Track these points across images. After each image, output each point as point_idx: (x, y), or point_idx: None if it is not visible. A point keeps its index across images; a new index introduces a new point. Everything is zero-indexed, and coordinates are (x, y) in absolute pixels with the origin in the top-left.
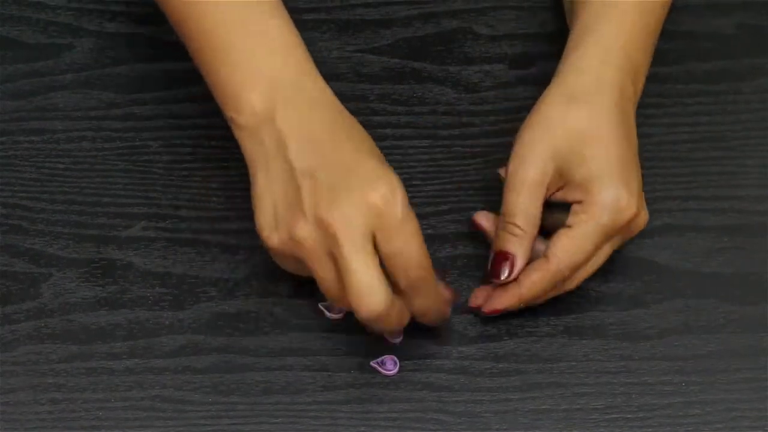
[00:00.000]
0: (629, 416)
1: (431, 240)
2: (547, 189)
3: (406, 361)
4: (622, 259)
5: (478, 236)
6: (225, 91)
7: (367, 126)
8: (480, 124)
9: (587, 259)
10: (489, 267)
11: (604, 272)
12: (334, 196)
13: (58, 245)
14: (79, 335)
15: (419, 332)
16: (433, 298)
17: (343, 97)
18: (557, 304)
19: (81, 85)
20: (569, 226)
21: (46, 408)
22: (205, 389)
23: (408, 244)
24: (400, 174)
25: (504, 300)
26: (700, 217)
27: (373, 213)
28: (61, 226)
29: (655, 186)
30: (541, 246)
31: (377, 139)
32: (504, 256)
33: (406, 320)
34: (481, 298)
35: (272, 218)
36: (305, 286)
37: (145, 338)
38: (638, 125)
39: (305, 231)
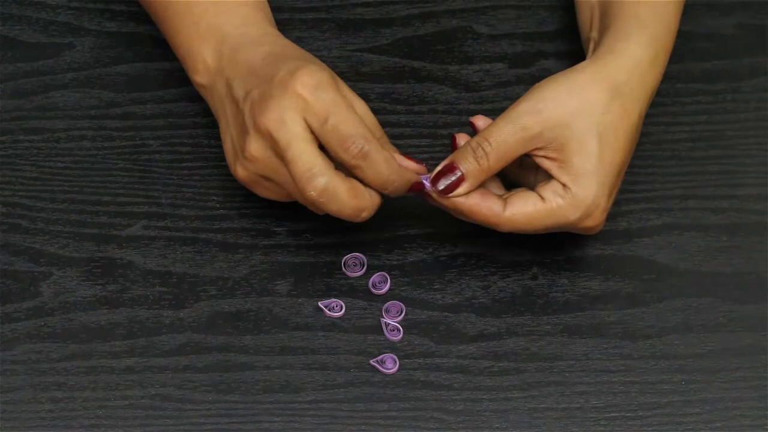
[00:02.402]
0: (629, 415)
1: (431, 240)
2: (535, 148)
3: (405, 360)
4: (622, 258)
5: (479, 235)
6: (184, 53)
7: None
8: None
9: (536, 232)
10: (434, 171)
11: (603, 271)
12: (264, 103)
13: (59, 244)
14: (79, 334)
15: (419, 332)
16: (383, 166)
17: None
18: (557, 303)
19: (81, 84)
20: (541, 198)
21: (46, 407)
22: (205, 388)
23: (340, 119)
24: None
25: (447, 202)
26: (699, 217)
27: (297, 102)
28: (61, 225)
29: (654, 185)
30: (497, 190)
31: None
32: (453, 170)
33: (368, 199)
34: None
35: (232, 150)
36: (305, 285)
37: (145, 337)
38: None
39: (253, 145)
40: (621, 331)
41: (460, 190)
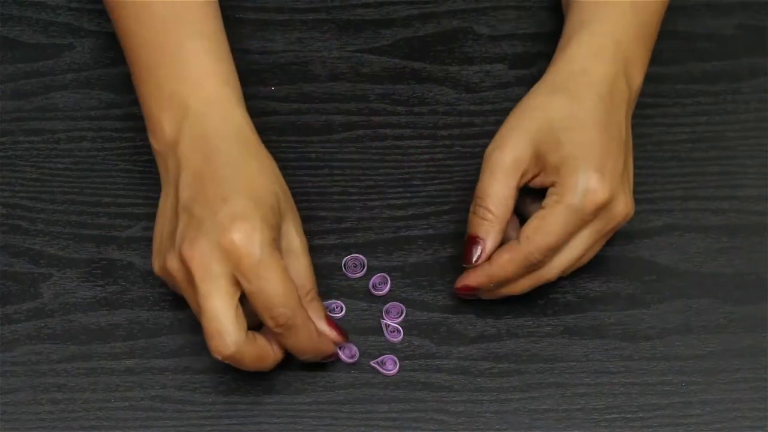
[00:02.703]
0: (629, 416)
1: (431, 240)
2: (524, 175)
3: (406, 361)
4: (622, 259)
5: None
6: (144, 111)
7: (367, 126)
8: (480, 124)
9: (559, 242)
10: (466, 251)
11: (604, 272)
12: (197, 235)
13: (59, 245)
14: (79, 335)
15: (420, 333)
16: (304, 338)
17: (343, 97)
18: (557, 305)
19: (81, 85)
20: (543, 208)
21: (46, 408)
22: (205, 389)
23: (267, 285)
24: (400, 174)
25: (474, 277)
26: (700, 217)
27: (229, 255)
28: (61, 226)
29: (655, 186)
30: (514, 233)
31: (378, 138)
32: (474, 240)
33: (271, 360)
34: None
35: (158, 246)
36: None
37: (145, 338)
38: (638, 125)
39: (174, 264)
40: (621, 333)
41: (487, 250)
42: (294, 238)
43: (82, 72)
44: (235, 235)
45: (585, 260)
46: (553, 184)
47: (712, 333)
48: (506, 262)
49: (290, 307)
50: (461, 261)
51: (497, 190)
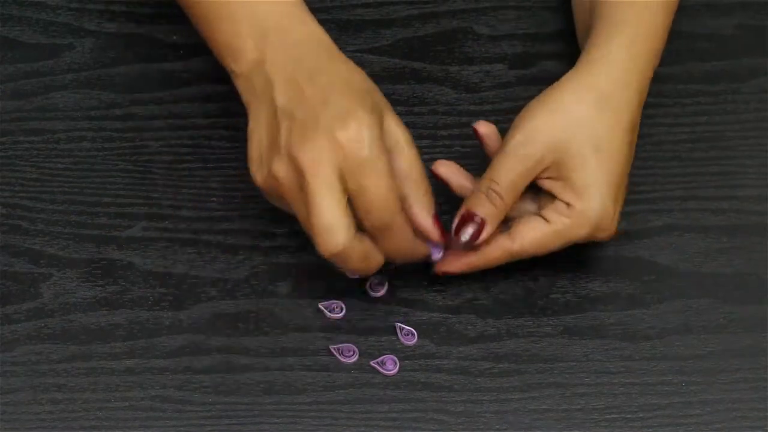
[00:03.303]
0: (629, 416)
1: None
2: (538, 174)
3: (406, 361)
4: (622, 259)
5: None
6: (222, 42)
7: None
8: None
9: (548, 253)
10: (454, 224)
11: (604, 272)
12: (305, 134)
13: (59, 245)
14: (79, 335)
15: (420, 333)
16: (399, 241)
17: None
18: (557, 305)
19: (81, 85)
20: (547, 221)
21: (46, 408)
22: (205, 389)
23: (371, 184)
24: None
25: (458, 265)
26: (700, 217)
27: (339, 151)
28: (61, 226)
29: (655, 186)
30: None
31: None
32: (472, 217)
33: (374, 263)
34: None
35: (258, 156)
36: (305, 287)
37: (145, 338)
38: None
39: (281, 168)
40: (621, 333)
41: (483, 235)
42: (396, 131)
43: (82, 72)
44: (343, 133)
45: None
46: (566, 202)
47: (712, 333)
48: (494, 259)
49: (390, 210)
50: (453, 233)
51: (514, 179)
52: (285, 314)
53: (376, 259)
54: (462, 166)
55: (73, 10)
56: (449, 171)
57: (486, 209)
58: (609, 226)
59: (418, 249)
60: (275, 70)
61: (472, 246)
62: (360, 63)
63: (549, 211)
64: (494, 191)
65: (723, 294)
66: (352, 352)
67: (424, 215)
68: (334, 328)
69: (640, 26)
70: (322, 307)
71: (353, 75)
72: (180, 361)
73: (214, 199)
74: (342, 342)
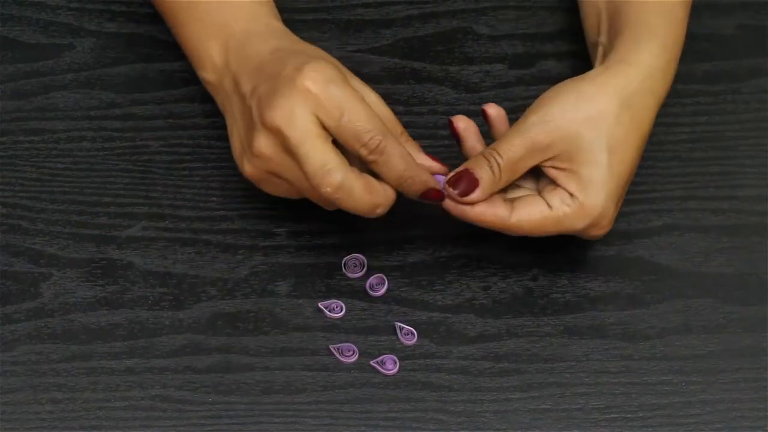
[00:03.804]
0: (629, 416)
1: (431, 240)
2: (542, 162)
3: (406, 361)
4: (622, 259)
5: (479, 236)
6: (191, 49)
7: None
8: (480, 124)
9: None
10: (449, 175)
11: (604, 272)
12: (272, 98)
13: (59, 245)
14: (79, 335)
15: (420, 333)
16: (399, 162)
17: None
18: (557, 305)
19: (81, 85)
20: (549, 206)
21: (46, 408)
22: (205, 389)
23: (350, 113)
24: None
25: (451, 207)
26: (700, 217)
27: (307, 98)
28: (61, 226)
29: (655, 186)
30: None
31: None
32: (470, 176)
33: (382, 195)
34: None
35: (240, 148)
36: (305, 286)
37: (145, 338)
38: None
39: (261, 142)
40: (621, 332)
41: (473, 196)
42: (369, 93)
43: (82, 72)
44: (307, 78)
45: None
46: (569, 192)
47: (712, 333)
48: (487, 221)
49: (378, 129)
50: (444, 182)
51: (517, 163)
52: (285, 314)
53: (384, 191)
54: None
55: (73, 10)
56: (467, 129)
57: (484, 173)
58: (605, 226)
59: (421, 172)
60: (239, 68)
61: (463, 203)
62: (360, 63)
63: (552, 197)
64: (497, 162)
65: (723, 294)
66: (351, 352)
67: (416, 153)
68: (334, 328)
69: (669, 36)
70: (322, 307)
71: (316, 51)
72: (180, 361)
73: (214, 199)
74: (342, 342)
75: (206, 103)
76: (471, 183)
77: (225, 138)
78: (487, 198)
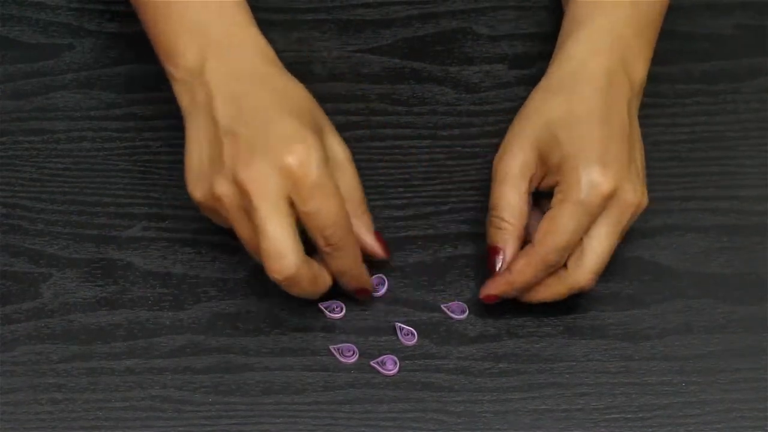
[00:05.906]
0: (629, 416)
1: (431, 240)
2: (532, 180)
3: (406, 361)
4: (622, 259)
5: (479, 236)
6: (162, 44)
7: (367, 126)
8: (480, 124)
9: (571, 240)
10: (488, 258)
11: (604, 272)
12: (251, 156)
13: (58, 245)
14: (79, 335)
15: (420, 333)
16: (350, 259)
17: (343, 98)
18: (557, 304)
19: (81, 85)
20: (551, 209)
21: (46, 408)
22: (205, 389)
23: (323, 205)
24: (400, 174)
25: (495, 286)
26: (700, 217)
27: (287, 175)
28: (61, 226)
29: (654, 186)
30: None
31: (378, 138)
32: (495, 250)
33: (322, 285)
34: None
35: (197, 172)
36: None
37: (145, 338)
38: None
39: (224, 188)
40: (621, 333)
41: (507, 257)
42: (336, 148)
43: (82, 72)
44: (291, 157)
45: (608, 257)
46: (557, 184)
47: (712, 333)
48: (523, 266)
49: (342, 227)
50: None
51: (509, 199)
52: (285, 314)
53: (325, 282)
54: (462, 166)
55: (73, 10)
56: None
57: (499, 237)
58: (605, 181)
59: (363, 275)
60: (215, 84)
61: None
62: (360, 63)
63: (552, 200)
64: (498, 218)
65: (723, 294)
66: (352, 352)
67: (364, 232)
68: (334, 328)
69: (602, 20)
70: (322, 307)
71: (293, 91)
72: (180, 361)
73: None
74: (342, 342)
75: None
76: (502, 254)
77: None
78: (515, 248)
